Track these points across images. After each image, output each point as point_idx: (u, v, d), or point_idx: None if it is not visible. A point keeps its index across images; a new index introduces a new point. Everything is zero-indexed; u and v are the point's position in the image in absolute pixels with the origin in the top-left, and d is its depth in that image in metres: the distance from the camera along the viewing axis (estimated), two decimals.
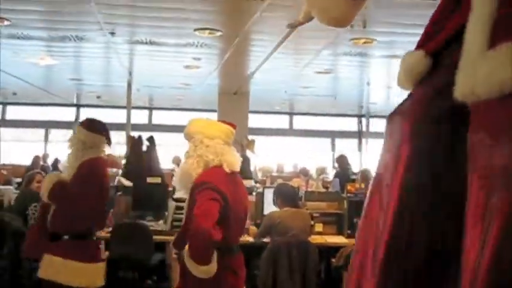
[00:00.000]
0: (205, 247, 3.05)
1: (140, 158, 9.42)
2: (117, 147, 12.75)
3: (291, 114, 15.52)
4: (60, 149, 10.33)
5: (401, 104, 1.14)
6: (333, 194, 7.40)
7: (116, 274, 5.57)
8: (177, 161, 12.18)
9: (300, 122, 15.55)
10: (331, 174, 10.80)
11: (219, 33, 6.59)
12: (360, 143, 15.59)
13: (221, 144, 3.37)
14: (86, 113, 14.10)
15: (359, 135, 15.66)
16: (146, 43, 7.13)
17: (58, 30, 6.70)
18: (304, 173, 9.72)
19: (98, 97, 13.06)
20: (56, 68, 9.25)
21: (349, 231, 6.06)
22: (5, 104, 15.48)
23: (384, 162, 1.13)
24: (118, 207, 6.28)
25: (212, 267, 3.05)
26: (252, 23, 6.11)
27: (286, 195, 5.51)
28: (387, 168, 1.10)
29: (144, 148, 9.52)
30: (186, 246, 3.08)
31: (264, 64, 8.42)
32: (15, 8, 5.71)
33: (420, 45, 1.14)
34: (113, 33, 6.52)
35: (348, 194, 6.84)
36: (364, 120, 15.25)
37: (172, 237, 5.80)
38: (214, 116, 13.69)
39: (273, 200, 5.56)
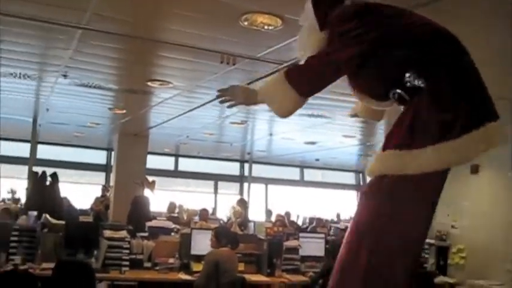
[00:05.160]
0: None
1: (42, 194, 9.34)
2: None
3: (176, 156, 15.94)
4: None
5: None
6: (251, 236, 7.99)
7: None
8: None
9: (187, 165, 15.99)
10: None
11: (170, 85, 7.08)
12: (241, 186, 16.44)
13: None
14: None
15: (241, 179, 16.52)
16: (91, 86, 7.36)
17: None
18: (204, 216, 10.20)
19: None
20: None
21: (268, 270, 6.80)
22: None
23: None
24: (44, 245, 6.30)
25: None
26: (206, 80, 6.70)
27: (228, 237, 6.15)
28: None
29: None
30: None
31: (188, 113, 8.93)
32: None
33: None
34: (65, 76, 6.71)
35: (268, 237, 7.57)
36: (246, 165, 16.09)
37: (105, 275, 6.06)
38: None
39: (212, 240, 6.07)
